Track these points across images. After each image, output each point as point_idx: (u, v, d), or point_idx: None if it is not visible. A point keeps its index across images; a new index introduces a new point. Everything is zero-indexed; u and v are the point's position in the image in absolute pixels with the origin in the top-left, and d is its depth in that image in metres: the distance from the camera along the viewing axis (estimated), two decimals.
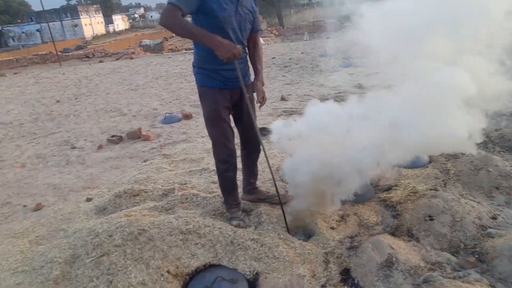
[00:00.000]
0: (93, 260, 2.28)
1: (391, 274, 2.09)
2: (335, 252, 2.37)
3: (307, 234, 2.68)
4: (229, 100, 2.51)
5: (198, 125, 5.63)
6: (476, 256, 2.20)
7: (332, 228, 2.57)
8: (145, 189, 3.38)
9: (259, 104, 2.67)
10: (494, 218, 2.45)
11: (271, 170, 2.59)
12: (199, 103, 2.63)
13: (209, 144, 2.60)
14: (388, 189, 3.00)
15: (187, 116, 6.08)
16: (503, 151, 3.37)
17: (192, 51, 2.76)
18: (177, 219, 2.56)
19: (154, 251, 2.30)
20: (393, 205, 2.73)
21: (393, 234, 2.44)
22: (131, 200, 3.24)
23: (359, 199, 2.87)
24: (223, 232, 2.46)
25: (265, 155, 2.56)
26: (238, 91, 2.56)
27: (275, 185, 2.59)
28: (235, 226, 2.58)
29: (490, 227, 2.36)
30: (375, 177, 3.15)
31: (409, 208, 2.61)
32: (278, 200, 2.65)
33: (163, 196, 3.27)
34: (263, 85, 2.61)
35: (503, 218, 2.45)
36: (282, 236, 2.49)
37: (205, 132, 2.67)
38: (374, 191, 3.02)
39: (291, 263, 2.24)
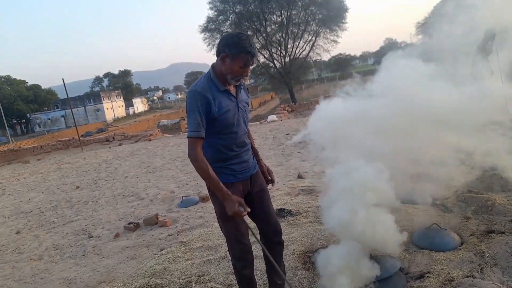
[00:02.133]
0: None
1: None
2: None
3: None
4: (241, 192, 2.47)
5: None
6: None
7: None
8: (161, 283, 3.23)
9: (271, 184, 2.67)
10: None
11: (273, 262, 2.46)
12: None
13: None
14: (420, 276, 2.79)
15: (204, 199, 6.04)
16: None
17: None
18: None
19: None
20: None
21: None
22: None
23: None
24: None
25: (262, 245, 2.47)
26: (248, 181, 2.53)
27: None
28: None
29: None
30: (405, 262, 2.96)
31: None
32: None
33: None
34: None
35: None
36: None
37: None
38: (406, 279, 2.81)
39: None
